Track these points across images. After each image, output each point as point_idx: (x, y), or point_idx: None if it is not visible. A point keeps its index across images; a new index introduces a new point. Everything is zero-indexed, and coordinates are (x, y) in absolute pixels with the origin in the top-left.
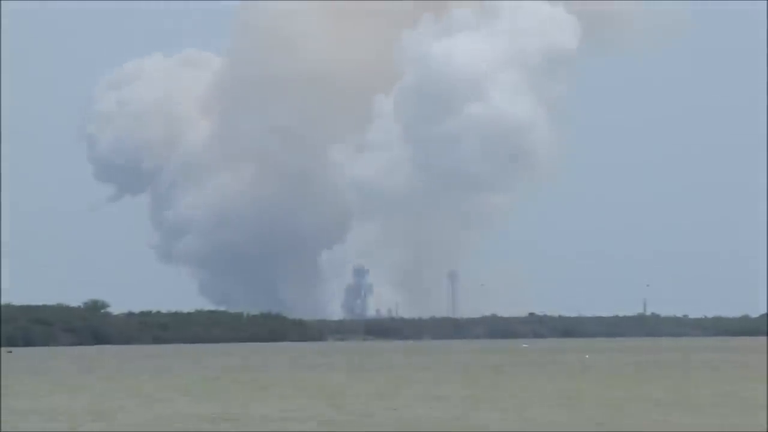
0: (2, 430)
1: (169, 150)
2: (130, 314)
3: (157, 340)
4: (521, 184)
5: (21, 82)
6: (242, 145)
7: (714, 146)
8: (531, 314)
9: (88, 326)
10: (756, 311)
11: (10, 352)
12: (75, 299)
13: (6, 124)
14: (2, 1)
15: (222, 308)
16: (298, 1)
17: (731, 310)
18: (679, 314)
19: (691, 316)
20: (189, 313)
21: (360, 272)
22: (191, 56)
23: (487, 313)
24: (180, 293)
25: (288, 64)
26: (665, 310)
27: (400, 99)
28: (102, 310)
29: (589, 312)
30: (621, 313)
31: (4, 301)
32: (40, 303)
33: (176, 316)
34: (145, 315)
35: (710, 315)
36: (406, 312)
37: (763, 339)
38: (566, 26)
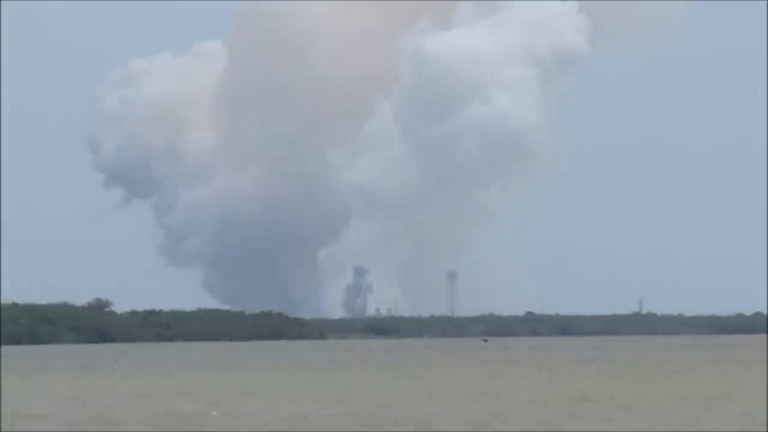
0: (2, 430)
1: (173, 152)
2: (134, 313)
3: (160, 338)
4: (520, 183)
5: (22, 82)
6: (246, 147)
7: (712, 147)
8: (529, 313)
9: (92, 325)
10: (749, 309)
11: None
12: (80, 299)
13: (11, 122)
14: (2, 1)
15: (226, 307)
16: (299, 1)
17: (725, 308)
18: (675, 313)
19: (686, 314)
20: (191, 312)
21: (360, 272)
22: (197, 50)
23: (486, 311)
24: (186, 293)
25: (289, 66)
26: (661, 309)
27: (399, 99)
28: (106, 309)
29: (586, 311)
30: (617, 312)
31: (11, 300)
32: (46, 302)
33: (179, 314)
34: (148, 313)
35: (705, 313)
36: (406, 311)
37: (756, 336)
38: (570, 23)
